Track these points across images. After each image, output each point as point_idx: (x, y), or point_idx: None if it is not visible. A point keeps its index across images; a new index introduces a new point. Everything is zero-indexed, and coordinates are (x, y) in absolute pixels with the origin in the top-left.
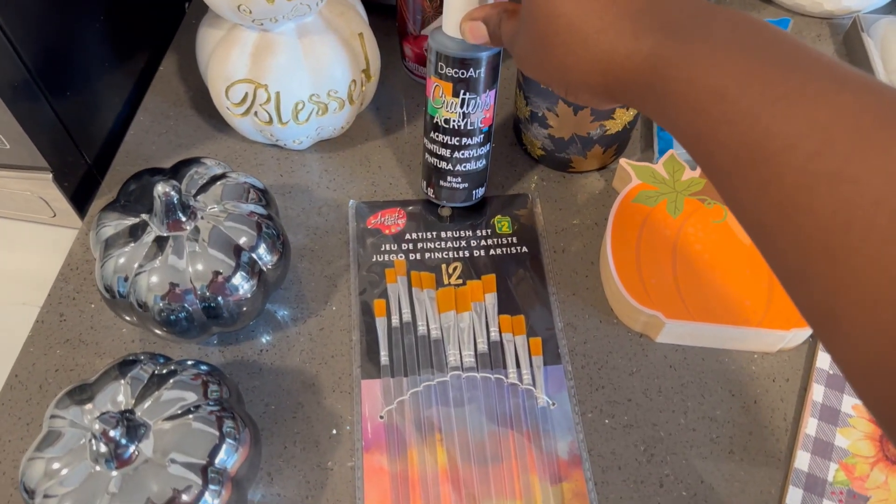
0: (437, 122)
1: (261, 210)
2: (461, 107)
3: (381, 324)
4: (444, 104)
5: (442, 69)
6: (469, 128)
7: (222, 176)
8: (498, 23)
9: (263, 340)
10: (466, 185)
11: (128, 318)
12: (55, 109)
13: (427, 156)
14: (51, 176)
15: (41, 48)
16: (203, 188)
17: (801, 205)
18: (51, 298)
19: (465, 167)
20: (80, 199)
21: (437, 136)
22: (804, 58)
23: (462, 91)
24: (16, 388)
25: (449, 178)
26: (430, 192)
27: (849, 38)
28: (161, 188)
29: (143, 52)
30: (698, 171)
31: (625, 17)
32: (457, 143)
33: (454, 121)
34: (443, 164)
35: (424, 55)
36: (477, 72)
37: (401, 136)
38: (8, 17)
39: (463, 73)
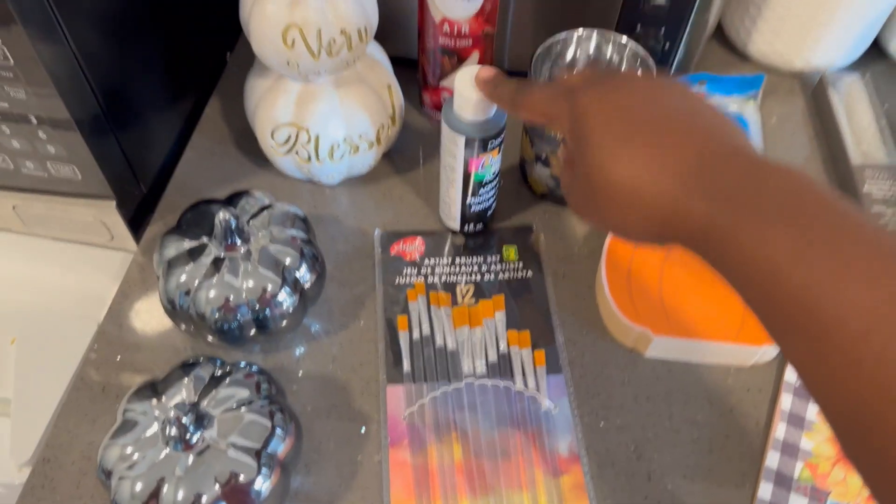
0: (483, 181)
1: (302, 235)
2: (499, 161)
3: (403, 337)
4: (492, 165)
5: (490, 145)
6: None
7: (269, 206)
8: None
9: (299, 350)
10: (488, 209)
11: (185, 326)
12: (120, 144)
13: (464, 204)
14: (114, 203)
15: (111, 87)
16: (254, 216)
17: (849, 379)
18: (111, 312)
19: (490, 199)
20: (136, 224)
21: (482, 191)
22: (851, 229)
23: (500, 149)
24: (81, 389)
25: (476, 210)
26: (457, 224)
27: (817, 94)
28: (223, 214)
29: (191, 96)
30: None
31: (677, 181)
32: (494, 186)
33: (494, 173)
34: (477, 206)
35: (441, 102)
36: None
37: (418, 173)
38: (87, 58)
39: (501, 138)
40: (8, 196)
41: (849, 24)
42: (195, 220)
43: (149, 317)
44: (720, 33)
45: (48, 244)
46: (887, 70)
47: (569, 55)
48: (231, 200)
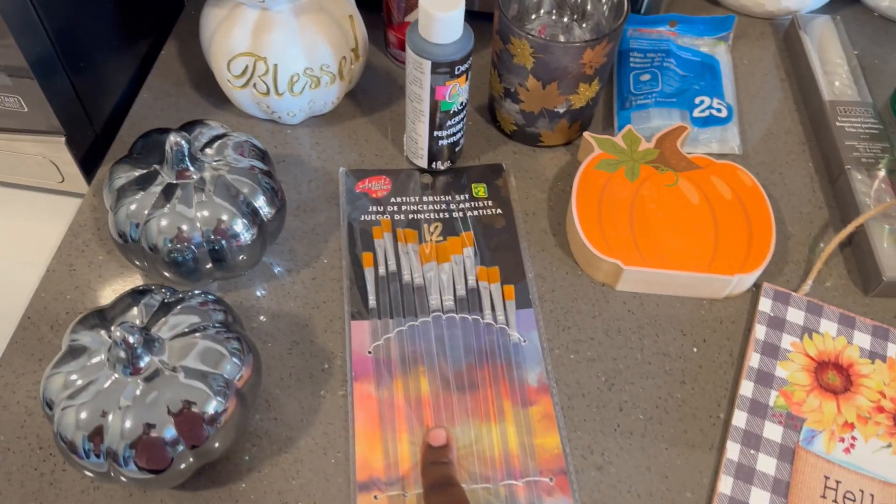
0: (451, 111)
1: (261, 165)
2: (467, 90)
3: (369, 273)
4: (459, 94)
5: (458, 70)
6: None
7: (225, 134)
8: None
9: (260, 289)
10: (455, 145)
11: (138, 262)
12: (72, 81)
13: (431, 137)
14: (63, 139)
15: (63, 26)
16: (208, 143)
17: None
18: (60, 251)
19: (458, 132)
20: (88, 164)
21: (450, 123)
22: None
23: (467, 77)
24: (28, 328)
25: (444, 144)
26: (424, 160)
27: (788, 36)
28: (173, 138)
29: (148, 37)
30: (653, 141)
31: None
32: (462, 118)
33: (462, 102)
34: (445, 140)
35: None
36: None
37: (385, 115)
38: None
39: (468, 63)
40: None
41: None
42: (147, 148)
43: (101, 257)
44: None
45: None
46: (858, 14)
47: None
48: (185, 129)
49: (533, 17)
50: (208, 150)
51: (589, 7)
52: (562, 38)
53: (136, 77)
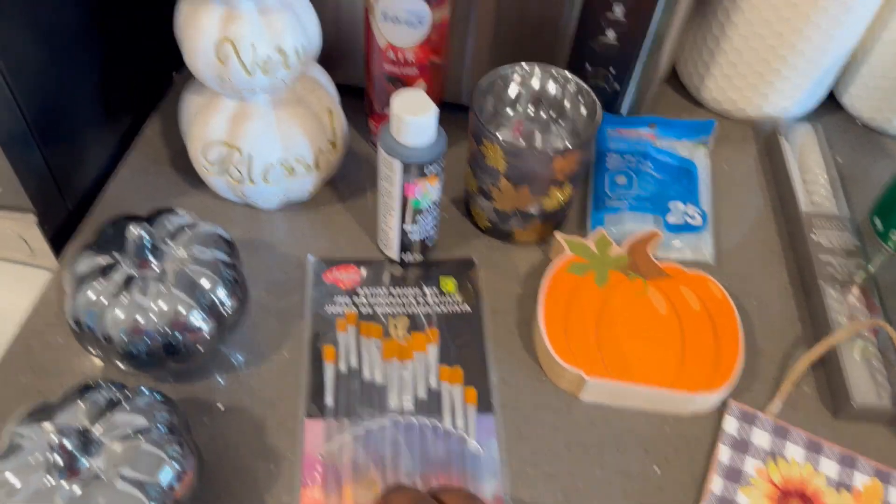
0: (421, 209)
1: (225, 258)
2: (439, 189)
3: (329, 369)
4: (430, 192)
5: (428, 170)
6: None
7: (191, 225)
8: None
9: (217, 380)
10: (426, 239)
11: (93, 350)
12: (45, 158)
13: (402, 231)
14: (35, 219)
15: (39, 100)
16: (174, 234)
17: None
18: (22, 331)
19: (429, 227)
20: (59, 241)
21: (420, 218)
22: None
23: (439, 177)
24: None
25: (415, 238)
26: (395, 252)
27: (769, 142)
28: (134, 230)
29: (131, 113)
30: (624, 247)
31: None
32: (433, 215)
33: (433, 201)
34: (416, 234)
35: None
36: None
37: (363, 202)
38: (11, 68)
39: (439, 164)
40: None
41: (802, 73)
42: (113, 236)
43: (63, 340)
44: (675, 77)
45: None
46: (841, 122)
47: (512, 90)
48: (152, 218)
49: (510, 112)
50: (172, 242)
51: (567, 106)
52: (538, 136)
53: (116, 153)
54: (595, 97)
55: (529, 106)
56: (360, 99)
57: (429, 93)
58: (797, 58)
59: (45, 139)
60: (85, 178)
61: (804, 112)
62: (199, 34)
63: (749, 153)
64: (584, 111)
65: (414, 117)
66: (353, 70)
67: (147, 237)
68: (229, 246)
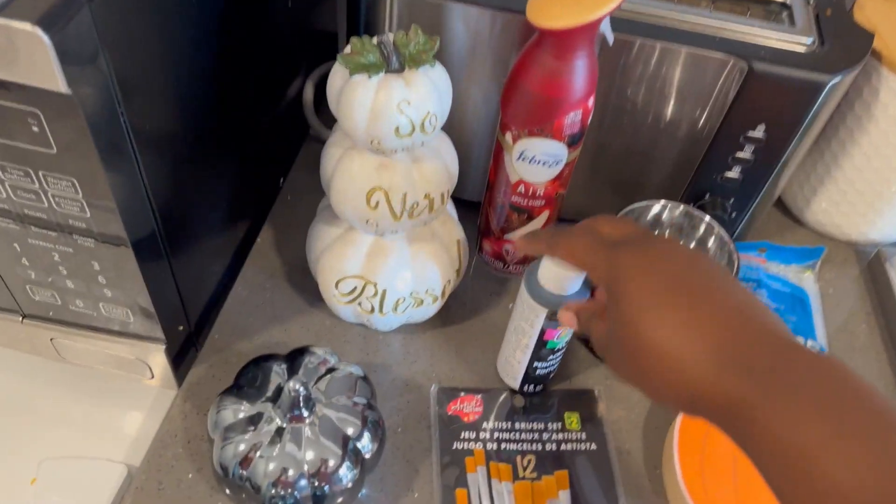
0: (555, 349)
1: (364, 400)
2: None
3: None
4: (567, 334)
5: None
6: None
7: (333, 368)
8: (588, 320)
9: None
10: (551, 373)
11: (232, 494)
12: (176, 280)
13: (530, 367)
14: (164, 347)
15: (171, 216)
16: (317, 378)
17: None
18: (149, 464)
19: (555, 363)
20: (179, 364)
21: (551, 357)
22: (887, 426)
23: None
24: None
25: (541, 373)
26: (517, 383)
27: (872, 266)
28: (293, 385)
29: (244, 224)
30: None
31: (711, 352)
32: (561, 352)
33: (567, 340)
34: (542, 370)
35: (502, 254)
36: None
37: (475, 324)
38: (154, 185)
39: None
40: (47, 328)
41: None
42: (254, 380)
43: (191, 475)
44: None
45: (80, 371)
46: None
47: (645, 223)
48: (292, 358)
49: None
50: (317, 387)
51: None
52: None
53: (231, 266)
54: (733, 248)
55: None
56: (464, 208)
57: (549, 220)
58: None
59: (176, 257)
60: (204, 295)
61: None
62: (351, 182)
63: (851, 276)
64: (713, 250)
65: (568, 272)
66: (462, 185)
67: (303, 391)
68: (367, 384)
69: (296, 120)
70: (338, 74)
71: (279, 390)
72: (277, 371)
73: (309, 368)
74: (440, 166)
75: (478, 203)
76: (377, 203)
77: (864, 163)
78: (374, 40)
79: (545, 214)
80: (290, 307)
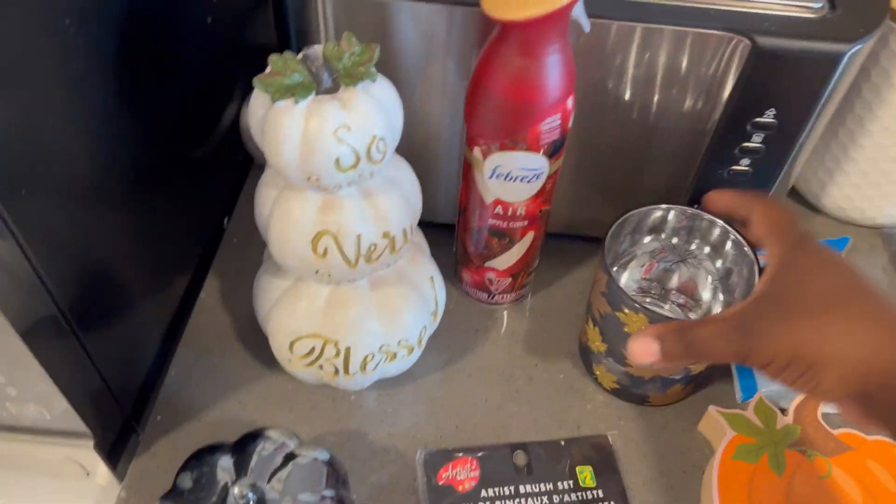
0: None
1: (332, 493)
2: None
3: None
4: None
5: None
6: None
7: (292, 456)
8: (685, 329)
9: None
10: None
11: None
12: (93, 360)
13: None
14: (93, 442)
15: (74, 286)
16: (273, 471)
17: None
18: None
19: None
20: (117, 456)
21: None
22: None
23: None
24: None
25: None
26: None
27: None
28: (238, 491)
29: (182, 276)
30: (790, 414)
31: None
32: None
33: None
34: None
35: (485, 283)
36: None
37: (463, 367)
38: (40, 251)
39: None
40: None
41: None
42: (198, 480)
43: None
44: None
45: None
46: None
47: (646, 228)
48: (242, 447)
49: (647, 239)
50: (274, 482)
51: (705, 250)
52: (675, 276)
53: (170, 330)
54: (752, 252)
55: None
56: (435, 232)
57: (535, 241)
58: None
59: (88, 331)
60: (138, 370)
61: None
62: (292, 227)
63: (880, 264)
64: (731, 256)
65: None
66: (429, 208)
67: (252, 496)
68: (335, 471)
69: (236, 149)
70: (258, 101)
71: (226, 493)
72: (224, 467)
73: (263, 458)
74: (398, 199)
75: (452, 226)
76: (325, 250)
77: (886, 138)
78: (300, 55)
79: (530, 236)
80: (244, 373)
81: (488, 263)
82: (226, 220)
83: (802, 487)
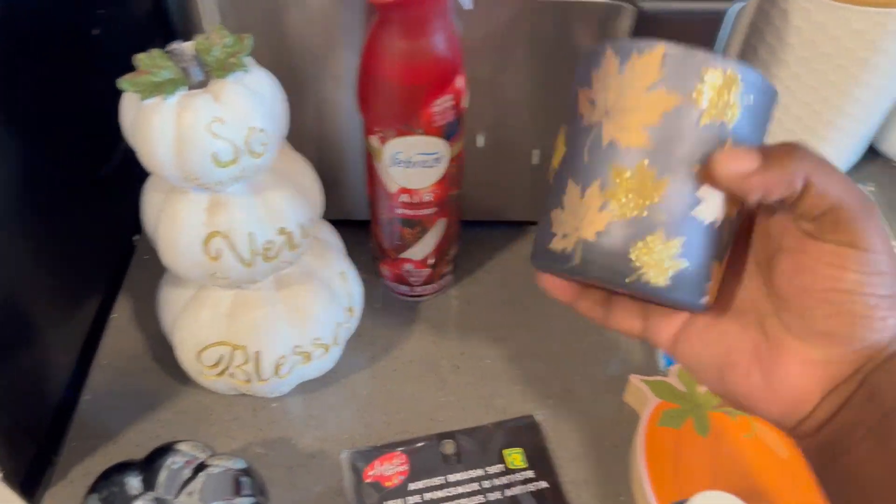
0: None
1: (250, 501)
2: None
3: None
4: None
5: None
6: None
7: (203, 465)
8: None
9: None
10: None
11: None
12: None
13: None
14: (1, 475)
15: None
16: (184, 485)
17: None
18: None
19: None
20: (32, 487)
21: None
22: None
23: None
24: None
25: None
26: None
27: None
28: None
29: (92, 298)
30: None
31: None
32: None
33: None
34: None
35: (404, 276)
36: None
37: (388, 362)
38: None
39: None
40: None
41: (850, 134)
42: (106, 500)
43: None
44: None
45: None
46: (885, 170)
47: None
48: (150, 462)
49: None
50: (182, 498)
51: None
52: None
53: (83, 353)
54: None
55: None
56: (352, 229)
57: (449, 228)
58: (844, 119)
59: None
60: (51, 394)
61: (848, 168)
62: (180, 232)
63: None
64: None
65: None
66: (345, 204)
67: None
68: (251, 479)
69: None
70: (128, 103)
71: None
72: (133, 484)
73: (173, 472)
74: (292, 193)
75: (368, 222)
76: (219, 252)
77: (788, 98)
78: (167, 51)
79: (442, 222)
80: (161, 390)
81: (404, 255)
82: (136, 237)
83: (728, 447)
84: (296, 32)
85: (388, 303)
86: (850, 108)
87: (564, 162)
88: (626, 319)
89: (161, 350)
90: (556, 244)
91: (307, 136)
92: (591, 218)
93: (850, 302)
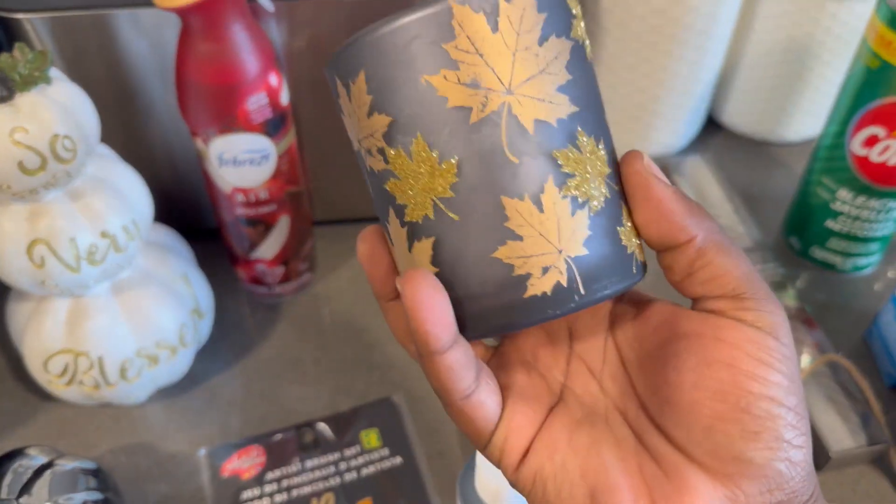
0: None
1: (96, 496)
2: None
3: None
4: None
5: None
6: None
7: (49, 465)
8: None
9: None
10: None
11: None
12: None
13: None
14: None
15: None
16: (28, 485)
17: None
18: None
19: None
20: None
21: None
22: None
23: None
24: None
25: None
26: None
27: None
28: None
29: None
30: None
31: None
32: None
33: None
34: None
35: (259, 277)
36: None
37: (248, 362)
38: None
39: None
40: None
41: (677, 107)
42: None
43: None
44: None
45: None
46: (726, 142)
47: None
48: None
49: None
50: (28, 498)
51: None
52: None
53: None
54: None
55: None
56: (210, 239)
57: (294, 225)
58: (669, 93)
59: None
60: None
61: (689, 142)
62: (3, 242)
63: None
64: None
65: (502, 483)
66: (200, 214)
67: None
68: (99, 478)
69: None
70: None
71: None
72: None
73: (18, 475)
74: (112, 197)
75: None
76: (42, 258)
77: (614, 79)
78: None
79: (285, 219)
80: (24, 408)
81: (254, 255)
82: None
83: None
84: (135, 53)
85: (248, 305)
86: (671, 82)
87: (468, 189)
88: (484, 393)
89: (21, 369)
90: (536, 286)
91: (158, 149)
92: (572, 228)
93: (772, 416)
